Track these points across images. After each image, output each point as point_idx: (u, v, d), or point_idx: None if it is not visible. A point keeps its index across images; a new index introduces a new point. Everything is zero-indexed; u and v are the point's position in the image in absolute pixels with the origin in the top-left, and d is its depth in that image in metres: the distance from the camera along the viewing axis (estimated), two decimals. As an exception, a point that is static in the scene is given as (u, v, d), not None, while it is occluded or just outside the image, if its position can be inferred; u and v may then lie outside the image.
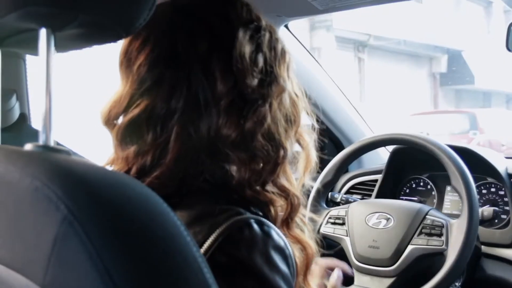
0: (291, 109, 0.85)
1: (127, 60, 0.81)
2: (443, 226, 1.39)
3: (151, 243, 0.51)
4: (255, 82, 0.79)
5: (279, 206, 0.82)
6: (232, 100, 0.78)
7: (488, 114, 11.57)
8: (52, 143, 0.63)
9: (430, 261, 1.40)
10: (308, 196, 1.60)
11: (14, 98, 1.07)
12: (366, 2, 1.33)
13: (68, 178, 0.53)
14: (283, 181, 0.83)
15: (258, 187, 0.80)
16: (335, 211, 1.59)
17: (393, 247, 1.42)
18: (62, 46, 0.65)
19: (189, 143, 0.77)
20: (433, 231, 1.39)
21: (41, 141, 0.62)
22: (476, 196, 1.37)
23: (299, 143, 0.88)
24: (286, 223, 0.83)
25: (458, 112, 12.09)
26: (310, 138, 0.89)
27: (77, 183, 0.52)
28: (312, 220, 0.92)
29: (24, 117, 1.09)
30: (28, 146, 0.61)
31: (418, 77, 15.02)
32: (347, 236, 1.52)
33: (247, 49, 0.79)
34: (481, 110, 12.12)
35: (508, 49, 1.33)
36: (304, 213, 0.87)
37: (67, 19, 0.61)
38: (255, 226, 0.71)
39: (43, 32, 0.62)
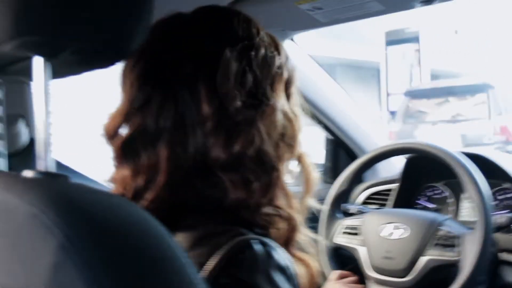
0: (287, 129, 0.82)
1: (123, 79, 0.82)
2: (457, 237, 1.37)
3: (148, 267, 0.52)
4: (240, 103, 0.77)
5: (280, 229, 0.80)
6: (218, 122, 0.76)
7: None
8: (51, 169, 0.64)
9: (445, 272, 1.37)
10: (312, 216, 1.60)
11: (21, 123, 1.09)
12: (368, 13, 1.33)
13: (64, 204, 0.53)
14: (280, 202, 0.81)
15: (254, 208, 0.78)
16: (349, 221, 1.58)
17: (407, 258, 1.40)
18: (58, 72, 0.66)
19: (178, 164, 0.76)
20: (447, 242, 1.37)
21: (40, 167, 0.63)
22: (489, 206, 1.35)
23: (300, 164, 0.86)
24: (286, 245, 0.81)
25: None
26: (310, 159, 0.87)
27: (73, 209, 0.53)
28: (315, 240, 0.90)
29: (33, 142, 1.10)
30: (27, 173, 0.62)
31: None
32: (362, 246, 1.51)
33: (233, 68, 0.77)
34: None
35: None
36: (307, 234, 0.85)
37: (61, 47, 0.62)
38: (257, 247, 0.70)
39: (36, 60, 0.63)
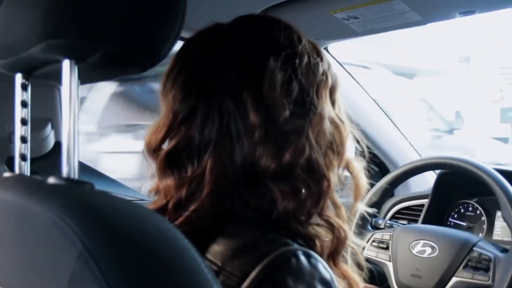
0: (335, 136, 0.81)
1: (165, 90, 0.81)
2: (490, 260, 1.32)
3: (170, 280, 0.50)
4: (288, 113, 0.76)
5: (327, 239, 0.79)
6: (266, 131, 0.75)
7: None
8: (76, 176, 0.62)
9: None
10: (359, 222, 1.58)
11: (49, 126, 1.09)
12: (405, 24, 1.30)
13: (85, 213, 0.52)
14: (329, 212, 0.80)
15: (303, 219, 0.77)
16: (379, 235, 1.56)
17: (436, 277, 1.37)
18: (86, 77, 0.66)
19: (224, 175, 0.75)
20: (479, 265, 1.33)
21: (64, 173, 0.62)
22: None
23: (348, 171, 0.84)
24: (332, 257, 0.80)
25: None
26: (360, 165, 0.86)
27: (94, 218, 0.51)
28: (364, 259, 0.88)
29: (59, 146, 1.10)
30: (51, 179, 0.61)
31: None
32: (390, 261, 1.49)
33: (278, 78, 0.76)
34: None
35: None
36: (354, 241, 0.84)
37: (90, 50, 0.61)
38: (303, 258, 0.69)
39: (66, 63, 0.62)
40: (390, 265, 1.48)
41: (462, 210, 1.75)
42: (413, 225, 1.68)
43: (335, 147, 0.81)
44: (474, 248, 1.37)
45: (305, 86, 0.79)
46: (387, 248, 1.51)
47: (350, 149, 0.84)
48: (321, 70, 0.81)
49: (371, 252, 1.54)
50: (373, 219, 1.67)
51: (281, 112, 0.75)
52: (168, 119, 0.79)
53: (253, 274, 0.67)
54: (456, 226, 1.73)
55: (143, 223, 0.54)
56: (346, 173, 0.84)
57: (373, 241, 1.55)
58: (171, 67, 0.81)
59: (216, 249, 0.72)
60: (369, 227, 1.62)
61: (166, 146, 0.81)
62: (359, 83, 1.82)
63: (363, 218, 1.60)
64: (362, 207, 0.87)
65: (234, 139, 0.76)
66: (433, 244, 1.42)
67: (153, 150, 0.81)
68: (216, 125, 0.76)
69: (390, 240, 1.51)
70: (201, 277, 0.52)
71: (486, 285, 1.30)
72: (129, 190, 1.05)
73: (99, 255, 0.48)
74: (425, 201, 1.79)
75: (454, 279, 1.35)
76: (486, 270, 1.31)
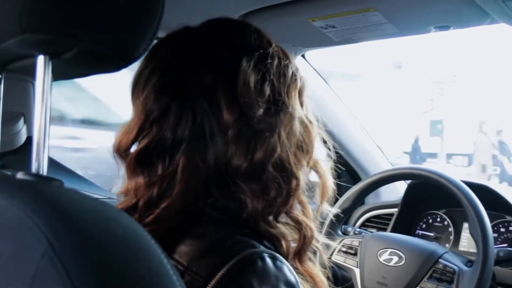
0: (304, 136, 0.83)
1: (136, 91, 0.82)
2: (454, 273, 1.34)
3: (135, 281, 0.50)
4: (261, 111, 0.78)
5: (292, 240, 0.81)
6: (239, 130, 0.77)
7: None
8: (45, 172, 0.62)
9: None
10: (329, 229, 1.59)
11: (21, 121, 1.08)
12: (382, 35, 1.32)
13: (52, 211, 0.52)
14: (297, 212, 0.81)
15: (271, 218, 0.79)
16: (348, 240, 1.57)
17: (401, 286, 1.38)
18: (60, 73, 0.65)
19: (196, 174, 0.76)
20: (443, 277, 1.34)
21: (33, 169, 0.61)
22: (491, 242, 1.32)
23: (315, 171, 0.86)
24: (299, 256, 0.81)
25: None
26: (327, 165, 0.88)
27: (61, 216, 0.51)
28: (327, 246, 0.89)
29: (30, 140, 1.09)
30: (20, 175, 0.60)
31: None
32: (357, 267, 1.50)
33: (252, 78, 0.78)
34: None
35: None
36: (319, 240, 0.85)
37: (65, 47, 0.60)
38: (268, 260, 0.71)
39: (40, 59, 0.61)
40: (357, 271, 1.49)
41: (431, 221, 1.78)
42: (382, 233, 1.70)
43: (304, 146, 0.83)
44: (440, 260, 1.38)
45: (277, 86, 0.81)
46: (355, 254, 1.52)
47: (317, 150, 0.85)
48: (290, 72, 0.84)
49: (339, 257, 1.55)
50: (343, 226, 1.68)
51: (255, 111, 0.77)
52: (139, 119, 0.80)
53: (218, 275, 0.68)
54: (424, 237, 1.75)
55: (110, 223, 0.54)
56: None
57: (342, 246, 1.56)
58: (143, 67, 0.82)
59: (183, 250, 0.72)
60: (339, 234, 1.64)
61: (136, 146, 0.81)
62: (335, 92, 1.84)
63: (332, 225, 1.61)
64: (328, 208, 0.88)
65: (208, 138, 0.77)
66: (400, 253, 1.43)
67: (123, 150, 0.81)
68: (189, 124, 0.77)
69: (359, 246, 1.53)
70: (165, 279, 0.52)
71: None
72: (97, 188, 1.05)
73: (64, 253, 0.48)
74: (394, 210, 1.80)
75: (418, 289, 1.36)
76: (450, 282, 1.33)
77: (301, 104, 0.85)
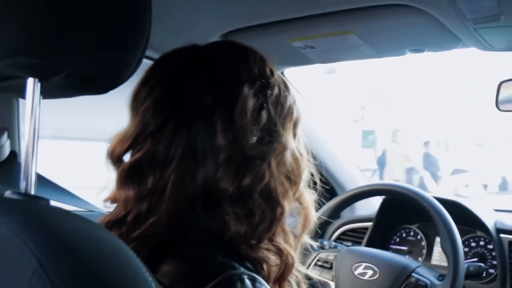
0: (293, 167, 0.83)
1: (136, 102, 0.82)
2: (426, 287, 1.38)
3: None
4: (255, 139, 0.78)
5: (275, 265, 0.81)
6: (230, 154, 0.77)
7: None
8: (33, 191, 0.64)
9: None
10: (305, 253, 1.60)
11: (5, 136, 1.09)
12: (359, 56, 1.36)
13: (40, 230, 0.53)
14: (279, 239, 0.82)
15: (254, 243, 0.78)
16: (324, 254, 1.58)
17: (375, 300, 1.41)
18: (49, 93, 0.67)
19: (185, 192, 0.77)
20: None
21: (21, 188, 0.63)
22: (462, 256, 1.36)
23: (299, 202, 0.87)
24: (279, 282, 0.82)
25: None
26: (311, 198, 0.88)
27: (50, 236, 0.53)
28: (308, 277, 0.91)
29: (14, 155, 1.10)
30: (8, 193, 0.62)
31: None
32: (332, 281, 1.51)
33: (250, 105, 0.79)
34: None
35: (498, 108, 1.34)
36: (301, 271, 0.86)
37: (55, 70, 0.62)
38: (247, 282, 0.71)
39: (30, 81, 0.63)
40: (332, 284, 1.50)
41: (404, 235, 1.81)
42: (357, 247, 1.72)
43: (292, 177, 0.83)
44: (413, 274, 1.41)
45: (273, 116, 0.81)
46: (330, 268, 1.54)
47: (304, 182, 0.86)
48: (288, 103, 0.85)
49: (315, 271, 1.56)
50: (319, 239, 1.71)
51: (249, 138, 0.78)
52: (136, 130, 0.80)
53: None
54: (398, 250, 1.78)
55: (98, 242, 0.56)
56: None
57: (318, 260, 1.58)
58: (146, 79, 0.83)
59: (165, 270, 0.73)
60: (315, 248, 1.66)
61: (129, 156, 0.81)
62: (312, 107, 1.87)
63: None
64: (307, 239, 0.89)
65: (199, 158, 0.78)
66: (374, 267, 1.46)
67: (116, 158, 0.82)
68: (183, 143, 0.77)
69: (334, 260, 1.54)
70: None
71: None
72: (83, 202, 1.06)
73: (54, 272, 0.49)
74: (369, 224, 1.83)
75: (392, 303, 1.39)
76: None
77: (294, 135, 0.86)
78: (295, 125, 0.86)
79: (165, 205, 0.76)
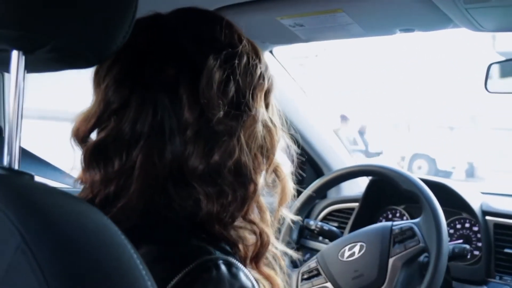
0: (266, 140, 0.80)
1: (97, 79, 0.78)
2: (411, 228, 1.40)
3: (105, 275, 0.51)
4: (222, 113, 0.74)
5: (251, 244, 0.79)
6: (198, 130, 0.74)
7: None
8: (16, 166, 0.63)
9: (416, 265, 1.40)
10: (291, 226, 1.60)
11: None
12: (348, 35, 1.35)
13: (24, 206, 0.53)
14: (254, 216, 0.79)
15: (227, 221, 0.76)
16: (305, 267, 1.55)
17: (375, 268, 1.40)
18: (33, 67, 0.66)
19: (153, 172, 0.74)
20: (405, 236, 1.40)
21: (5, 163, 0.62)
22: (446, 239, 1.37)
23: (276, 175, 0.83)
24: (255, 260, 0.80)
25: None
26: (288, 170, 0.85)
27: (33, 211, 0.52)
28: (285, 254, 0.89)
29: (0, 131, 1.08)
30: None
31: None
32: (327, 282, 1.49)
33: (216, 77, 0.75)
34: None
35: (487, 90, 1.34)
36: (278, 247, 0.84)
37: (39, 43, 0.61)
38: (223, 267, 0.69)
39: (14, 54, 0.62)
40: (329, 285, 1.48)
41: (390, 216, 1.82)
42: (333, 242, 1.64)
43: (265, 151, 0.80)
44: (393, 227, 1.43)
45: (242, 87, 0.77)
46: (319, 274, 1.51)
47: (279, 153, 0.83)
48: (258, 72, 0.80)
49: (306, 285, 1.52)
50: (305, 219, 1.71)
51: (215, 112, 0.74)
52: (99, 108, 0.76)
53: (173, 282, 0.67)
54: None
55: (81, 218, 0.55)
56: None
57: (303, 274, 1.54)
58: None
59: (140, 254, 0.72)
60: (297, 236, 1.67)
61: (94, 136, 0.78)
62: (302, 88, 1.86)
63: (290, 227, 1.62)
64: (286, 213, 0.86)
65: (166, 136, 0.74)
66: (357, 243, 1.47)
67: (81, 138, 0.78)
68: (149, 120, 0.74)
69: (317, 265, 1.52)
70: (135, 273, 0.53)
71: (420, 248, 1.37)
72: (68, 176, 1.04)
73: (37, 247, 0.49)
74: (355, 205, 1.84)
75: (391, 259, 1.39)
76: (413, 236, 1.38)
77: (267, 106, 0.82)
78: (267, 94, 0.82)
79: (133, 187, 0.73)
